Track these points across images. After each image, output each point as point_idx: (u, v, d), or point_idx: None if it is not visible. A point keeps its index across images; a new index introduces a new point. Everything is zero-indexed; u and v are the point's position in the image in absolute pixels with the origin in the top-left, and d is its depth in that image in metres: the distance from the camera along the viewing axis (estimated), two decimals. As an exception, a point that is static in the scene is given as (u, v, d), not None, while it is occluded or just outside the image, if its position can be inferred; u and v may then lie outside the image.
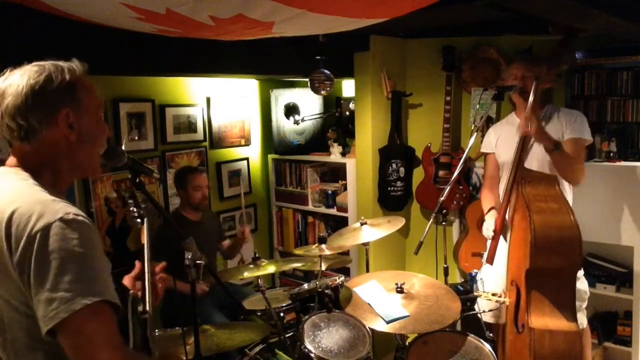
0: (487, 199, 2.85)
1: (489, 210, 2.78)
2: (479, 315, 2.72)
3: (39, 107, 1.19)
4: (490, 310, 2.73)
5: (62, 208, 1.13)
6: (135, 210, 1.57)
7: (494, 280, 2.71)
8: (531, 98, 2.58)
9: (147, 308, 1.39)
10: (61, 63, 1.25)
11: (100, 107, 1.32)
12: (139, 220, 1.54)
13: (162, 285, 1.58)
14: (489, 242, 2.78)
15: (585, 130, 2.65)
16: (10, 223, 1.12)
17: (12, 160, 1.25)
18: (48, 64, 1.23)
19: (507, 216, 2.62)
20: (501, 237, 2.66)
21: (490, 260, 2.61)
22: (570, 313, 2.35)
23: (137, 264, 1.55)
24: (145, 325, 1.36)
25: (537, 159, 2.64)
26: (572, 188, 2.71)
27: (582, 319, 2.68)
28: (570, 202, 2.58)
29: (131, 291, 1.42)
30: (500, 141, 2.81)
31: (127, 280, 1.56)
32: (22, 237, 1.10)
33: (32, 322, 1.12)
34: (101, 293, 1.10)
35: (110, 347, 1.08)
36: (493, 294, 2.59)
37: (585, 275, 2.73)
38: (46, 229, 1.09)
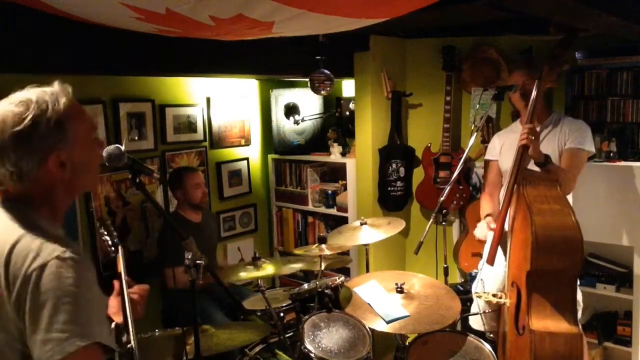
0: (486, 204, 2.86)
1: (486, 216, 2.79)
2: (479, 315, 2.72)
3: (28, 154, 1.15)
4: (490, 311, 2.73)
5: (59, 246, 1.12)
6: (108, 239, 1.57)
7: (493, 281, 2.71)
8: (534, 94, 2.56)
9: (131, 338, 1.39)
10: (46, 97, 1.17)
11: (93, 128, 1.28)
12: (112, 248, 1.55)
13: (139, 300, 1.61)
14: (487, 244, 2.78)
15: (586, 140, 2.62)
16: (9, 261, 1.12)
17: (7, 193, 1.22)
18: (32, 102, 1.16)
19: (507, 218, 2.61)
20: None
21: (491, 261, 2.61)
22: (571, 315, 2.34)
23: (115, 283, 1.58)
24: (131, 356, 1.37)
25: None
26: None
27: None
28: (571, 202, 2.58)
29: (114, 322, 1.43)
30: (504, 149, 2.80)
31: (112, 302, 1.58)
32: (18, 276, 1.10)
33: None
34: (94, 335, 1.10)
35: None
36: (493, 295, 2.59)
37: (585, 275, 2.72)
38: (42, 268, 1.09)
